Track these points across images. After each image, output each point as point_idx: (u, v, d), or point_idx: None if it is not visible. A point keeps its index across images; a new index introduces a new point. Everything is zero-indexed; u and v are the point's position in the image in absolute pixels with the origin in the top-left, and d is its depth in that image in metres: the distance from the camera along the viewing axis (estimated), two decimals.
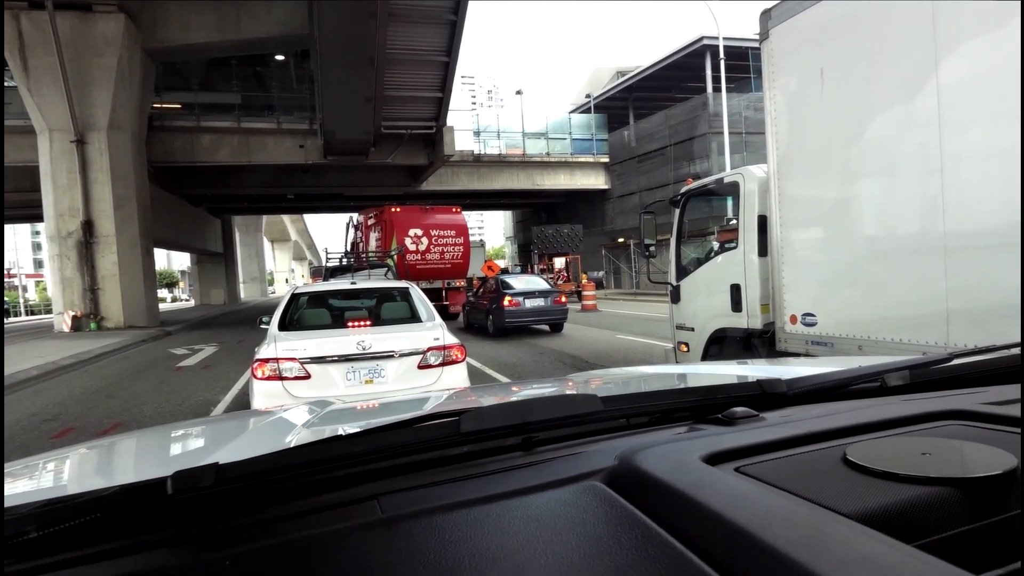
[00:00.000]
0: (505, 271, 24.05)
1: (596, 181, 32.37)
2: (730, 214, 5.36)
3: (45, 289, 49.17)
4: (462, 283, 18.20)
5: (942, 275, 3.34)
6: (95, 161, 17.61)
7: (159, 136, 21.56)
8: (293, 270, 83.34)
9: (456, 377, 4.76)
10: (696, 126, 26.44)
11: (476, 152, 30.14)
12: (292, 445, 1.09)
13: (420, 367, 4.66)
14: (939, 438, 0.83)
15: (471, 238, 19.54)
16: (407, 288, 5.98)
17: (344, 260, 16.36)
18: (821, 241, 4.29)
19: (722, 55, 22.23)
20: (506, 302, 12.85)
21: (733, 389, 1.16)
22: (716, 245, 5.61)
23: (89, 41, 16.99)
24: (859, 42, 3.81)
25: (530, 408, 0.96)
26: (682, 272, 5.86)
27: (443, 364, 4.72)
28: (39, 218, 19.42)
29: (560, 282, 25.26)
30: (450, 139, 23.03)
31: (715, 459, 0.77)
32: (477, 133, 30.64)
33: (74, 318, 17.42)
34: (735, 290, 5.00)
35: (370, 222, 19.27)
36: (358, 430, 1.00)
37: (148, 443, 1.64)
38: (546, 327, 13.77)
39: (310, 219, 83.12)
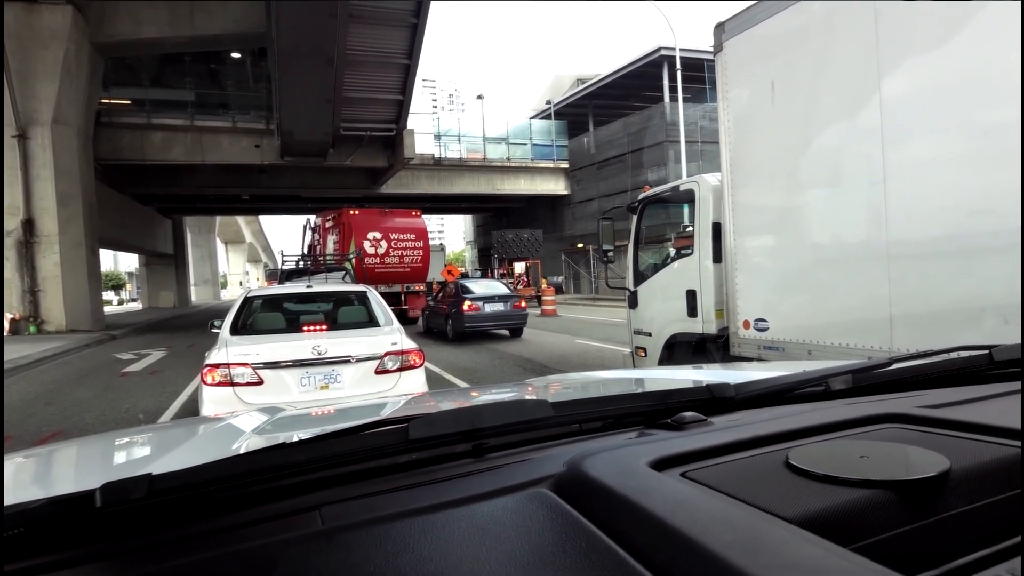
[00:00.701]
0: (465, 275, 23.98)
1: (556, 187, 32.62)
2: (686, 221, 5.46)
3: None
4: (421, 287, 18.07)
5: (885, 282, 3.47)
6: (37, 157, 16.85)
7: (107, 133, 20.80)
8: (248, 273, 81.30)
9: (414, 382, 4.71)
10: (654, 134, 26.93)
11: (437, 155, 30.02)
12: (236, 454, 1.05)
13: (377, 372, 4.59)
14: (878, 441, 0.85)
15: (431, 242, 19.43)
16: (365, 292, 5.90)
17: (301, 263, 16.05)
18: (772, 248, 4.41)
19: (679, 65, 22.75)
20: (466, 306, 12.80)
21: (683, 394, 1.17)
22: (672, 251, 5.71)
23: (34, 33, 16.27)
24: (807, 56, 3.94)
25: (480, 414, 0.95)
26: (640, 278, 5.94)
27: (401, 369, 4.66)
28: None
29: (520, 287, 25.32)
30: (410, 142, 22.90)
31: (661, 464, 0.77)
32: (438, 136, 30.53)
33: (12, 321, 16.60)
34: (691, 296, 5.09)
35: (328, 224, 18.97)
36: (304, 438, 0.97)
37: (85, 452, 1.57)
38: (506, 332, 13.77)
39: (266, 221, 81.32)
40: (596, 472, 0.74)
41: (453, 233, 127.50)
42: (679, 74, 22.69)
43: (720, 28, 4.61)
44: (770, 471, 0.76)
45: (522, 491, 0.76)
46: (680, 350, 5.30)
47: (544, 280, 26.59)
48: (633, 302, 6.00)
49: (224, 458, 0.82)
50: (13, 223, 16.72)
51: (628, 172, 28.19)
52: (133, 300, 57.24)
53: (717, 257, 4.84)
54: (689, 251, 5.17)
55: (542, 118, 35.83)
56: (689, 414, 1.02)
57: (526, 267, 28.34)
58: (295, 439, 0.95)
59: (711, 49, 4.78)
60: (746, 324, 4.52)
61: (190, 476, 0.76)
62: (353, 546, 0.66)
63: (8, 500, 0.74)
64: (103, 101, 20.42)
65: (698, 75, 25.72)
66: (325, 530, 0.71)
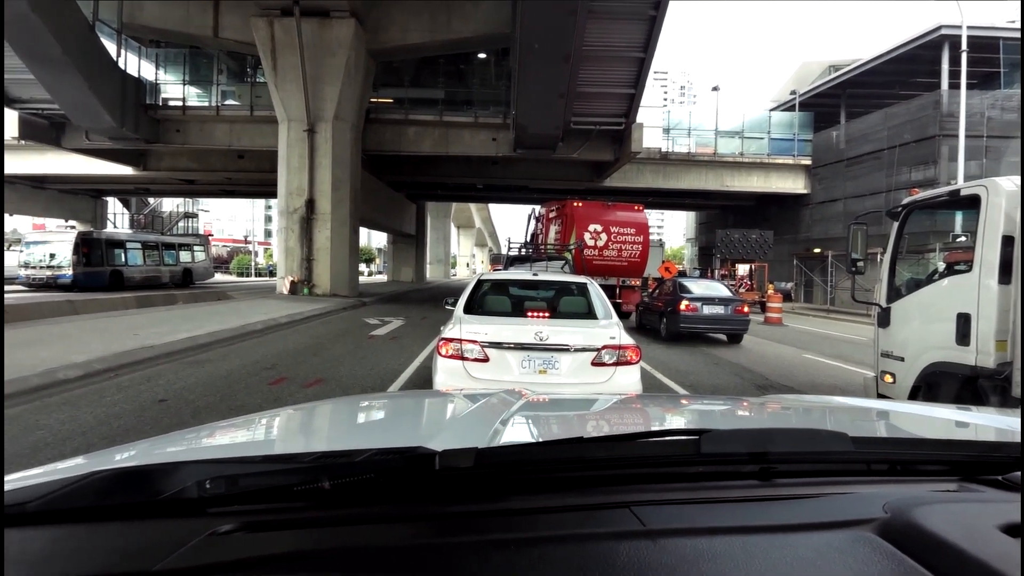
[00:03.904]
0: (683, 274, 23.17)
1: (794, 185, 29.86)
2: (958, 231, 4.64)
3: (271, 256, 57.05)
4: (637, 282, 17.87)
5: None
6: (320, 147, 20.09)
7: (373, 128, 23.87)
8: (474, 255, 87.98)
9: (629, 379, 4.68)
10: (923, 127, 23.21)
11: (663, 150, 29.34)
12: (540, 440, 1.13)
13: (593, 364, 4.65)
14: None
15: (651, 237, 19.11)
16: (586, 283, 6.00)
17: (523, 250, 16.87)
18: None
19: (964, 46, 19.24)
20: (683, 306, 12.38)
21: (1010, 448, 1.02)
22: (942, 266, 4.89)
23: (324, 43, 19.35)
24: None
25: (772, 438, 0.93)
26: (894, 293, 5.19)
27: (617, 364, 4.66)
28: (272, 195, 22.63)
29: (743, 290, 23.78)
30: (638, 136, 22.71)
31: (1013, 531, 0.70)
32: (667, 130, 29.78)
33: (292, 283, 20.07)
34: (963, 320, 4.32)
35: (551, 215, 19.63)
36: (598, 435, 1.02)
37: (371, 412, 1.81)
38: (723, 337, 13.06)
39: (494, 208, 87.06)
40: (934, 526, 0.70)
41: (673, 229, 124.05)
42: (963, 56, 19.21)
43: None
44: None
45: (839, 531, 0.73)
46: (940, 382, 4.54)
47: (771, 285, 24.63)
48: (884, 320, 5.27)
49: (533, 443, 0.90)
50: (299, 202, 20.16)
51: (885, 171, 24.72)
52: (379, 273, 65.30)
53: (1005, 277, 4.03)
54: (966, 267, 4.39)
55: (783, 110, 32.94)
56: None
57: (751, 270, 26.44)
58: (590, 434, 1.00)
59: (1007, 25, 3.95)
60: None
61: (511, 454, 0.85)
62: (677, 553, 0.68)
63: (338, 447, 0.88)
64: (372, 100, 23.42)
65: (987, 57, 21.59)
66: (648, 531, 0.74)
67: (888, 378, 5.18)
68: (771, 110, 33.78)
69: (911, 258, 5.56)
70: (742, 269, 26.85)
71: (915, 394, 4.77)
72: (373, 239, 77.02)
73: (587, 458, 0.88)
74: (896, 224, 5.23)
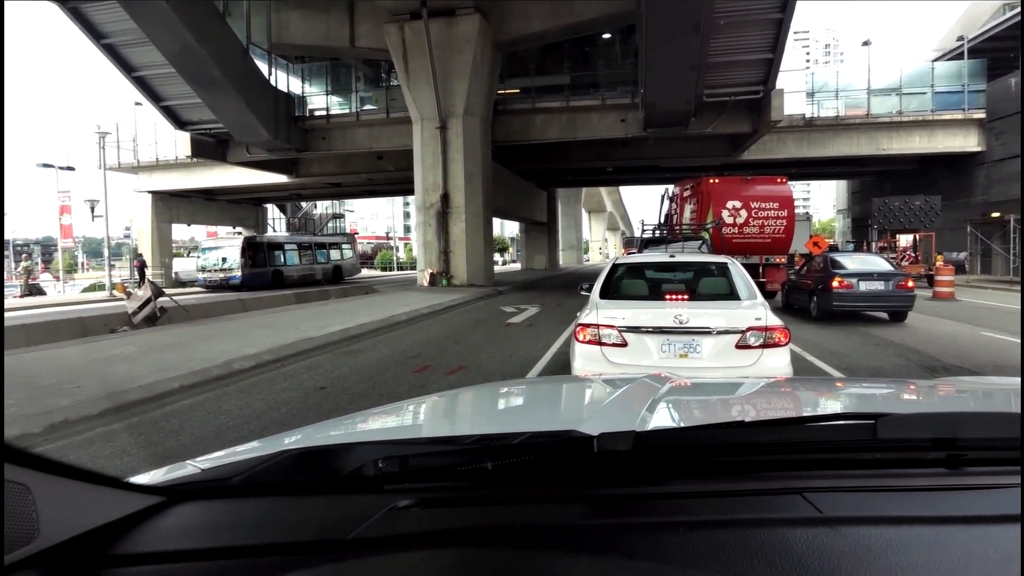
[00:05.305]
0: (834, 248, 21.36)
1: (965, 142, 26.22)
2: None
3: (411, 250, 60.29)
4: (782, 260, 16.69)
5: None
6: (452, 143, 20.84)
7: (501, 119, 24.30)
8: (607, 240, 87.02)
9: (777, 362, 4.40)
10: None
11: (808, 115, 27.01)
12: (701, 424, 1.11)
13: (738, 347, 4.42)
14: None
15: (796, 211, 17.76)
16: (726, 263, 5.70)
17: (658, 232, 16.40)
18: None
19: None
20: (835, 283, 11.42)
21: None
22: None
23: (451, 41, 19.98)
24: None
25: (962, 423, 0.84)
26: None
27: (763, 346, 4.40)
28: (410, 192, 23.86)
29: (905, 263, 21.45)
30: (779, 103, 21.17)
31: None
32: (811, 94, 27.29)
33: (431, 275, 21.07)
34: None
35: (686, 194, 18.87)
36: (762, 419, 0.98)
37: (517, 398, 1.85)
38: (884, 315, 11.87)
39: (625, 191, 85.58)
40: None
41: (821, 201, 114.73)
42: None
43: None
44: None
45: None
46: None
47: (939, 256, 21.95)
48: None
49: (692, 426, 0.88)
50: (435, 197, 21.08)
51: None
52: (513, 261, 66.66)
53: None
54: None
55: (950, 59, 28.98)
56: None
57: (915, 240, 23.71)
58: (751, 417, 0.97)
59: None
60: None
61: (670, 438, 0.84)
62: (859, 542, 0.64)
63: (494, 431, 0.91)
64: (499, 92, 23.85)
65: None
66: (825, 518, 0.71)
67: None
68: (934, 60, 29.89)
69: None
70: (904, 240, 24.22)
71: None
72: (506, 228, 78.81)
73: (751, 442, 0.85)
74: None
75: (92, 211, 26.70)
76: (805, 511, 0.73)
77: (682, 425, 0.88)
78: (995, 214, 24.81)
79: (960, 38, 28.94)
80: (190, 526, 0.83)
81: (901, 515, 0.69)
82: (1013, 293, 17.97)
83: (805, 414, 0.90)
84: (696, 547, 0.67)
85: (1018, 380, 1.86)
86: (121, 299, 14.80)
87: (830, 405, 1.54)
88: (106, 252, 27.23)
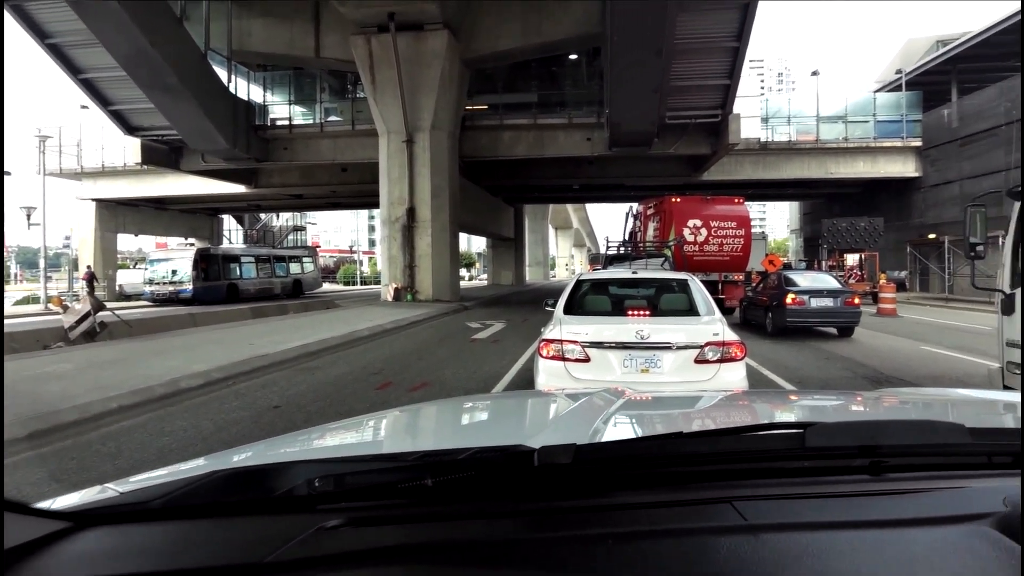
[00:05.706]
0: (788, 266, 22.06)
1: (904, 168, 27.74)
2: None
3: (376, 265, 59.74)
4: (740, 277, 17.17)
5: None
6: (419, 157, 20.78)
7: (469, 135, 24.38)
8: (573, 256, 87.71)
9: (733, 376, 4.51)
10: None
11: (763, 139, 28.04)
12: (638, 437, 1.14)
13: (697, 361, 4.52)
14: None
15: (753, 230, 18.26)
16: (687, 280, 5.83)
17: (622, 249, 16.63)
18: None
19: None
20: (789, 300, 11.83)
21: None
22: None
23: (419, 56, 20.00)
24: None
25: (884, 430, 0.87)
26: (1018, 278, 4.70)
27: (721, 360, 4.51)
28: (375, 205, 23.68)
29: (852, 281, 22.34)
30: (736, 127, 21.91)
31: None
32: (765, 119, 28.39)
33: (396, 290, 20.88)
34: None
35: (649, 212, 19.24)
36: (701, 430, 1.00)
37: (473, 413, 1.85)
38: (833, 330, 12.32)
39: (591, 208, 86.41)
40: None
41: (776, 221, 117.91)
42: None
43: None
44: None
45: (953, 525, 0.67)
46: None
47: (883, 275, 23.00)
48: (1008, 307, 4.79)
49: (632, 439, 0.89)
50: (400, 211, 20.95)
51: (1003, 148, 22.64)
52: (480, 277, 66.61)
53: None
54: None
55: (889, 90, 30.61)
56: None
57: (861, 259, 24.87)
58: (691, 429, 0.99)
59: None
60: None
61: (610, 450, 0.85)
62: (779, 548, 0.66)
63: (441, 447, 0.91)
64: (467, 107, 23.95)
65: None
66: (749, 525, 0.73)
67: (1016, 369, 4.70)
68: (876, 91, 31.43)
69: None
70: (851, 259, 25.42)
71: None
72: (472, 244, 78.72)
73: (687, 453, 0.87)
74: (1018, 204, 4.72)
75: (28, 218, 25.52)
76: (732, 519, 0.75)
77: (624, 438, 0.90)
78: (931, 235, 26.15)
79: (899, 71, 30.54)
80: (94, 553, 0.79)
81: (822, 521, 0.72)
82: (949, 310, 18.95)
83: (742, 424, 0.93)
84: (622, 558, 0.68)
85: (950, 391, 1.97)
86: (57, 312, 13.67)
87: (769, 416, 1.59)
88: (42, 263, 26.12)
